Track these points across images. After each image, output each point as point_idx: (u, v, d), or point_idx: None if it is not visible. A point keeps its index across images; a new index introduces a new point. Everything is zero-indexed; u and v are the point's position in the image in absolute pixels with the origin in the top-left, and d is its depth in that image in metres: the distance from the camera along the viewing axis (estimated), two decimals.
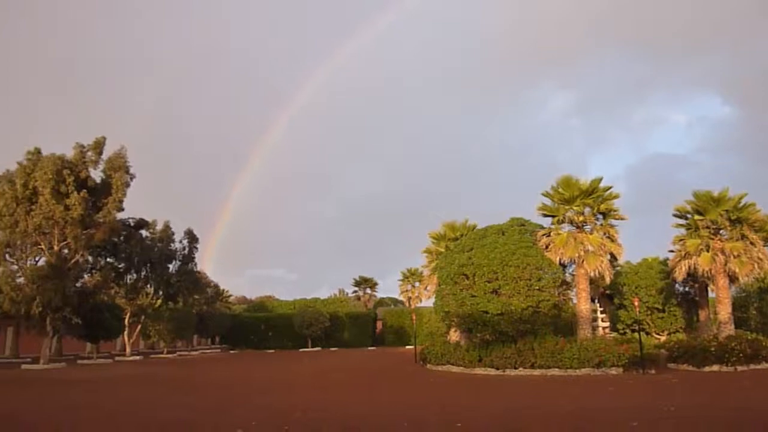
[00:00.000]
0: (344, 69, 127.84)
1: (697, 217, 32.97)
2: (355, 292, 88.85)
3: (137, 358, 52.62)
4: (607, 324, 42.37)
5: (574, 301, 35.01)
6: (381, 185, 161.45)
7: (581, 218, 33.27)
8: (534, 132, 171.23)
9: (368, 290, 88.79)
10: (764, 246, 32.32)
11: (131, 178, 44.61)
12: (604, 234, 33.18)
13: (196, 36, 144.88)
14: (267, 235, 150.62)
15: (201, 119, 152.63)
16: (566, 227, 33.68)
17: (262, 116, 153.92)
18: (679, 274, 33.38)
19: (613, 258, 33.92)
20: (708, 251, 31.89)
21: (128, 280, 54.40)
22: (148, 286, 56.00)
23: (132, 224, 53.93)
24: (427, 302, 54.24)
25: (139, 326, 57.40)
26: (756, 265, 31.24)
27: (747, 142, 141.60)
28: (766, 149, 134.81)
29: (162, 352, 60.22)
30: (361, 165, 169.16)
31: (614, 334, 40.81)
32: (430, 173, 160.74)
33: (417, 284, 65.12)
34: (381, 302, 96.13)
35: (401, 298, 72.88)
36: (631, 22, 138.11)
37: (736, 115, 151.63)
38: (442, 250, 40.80)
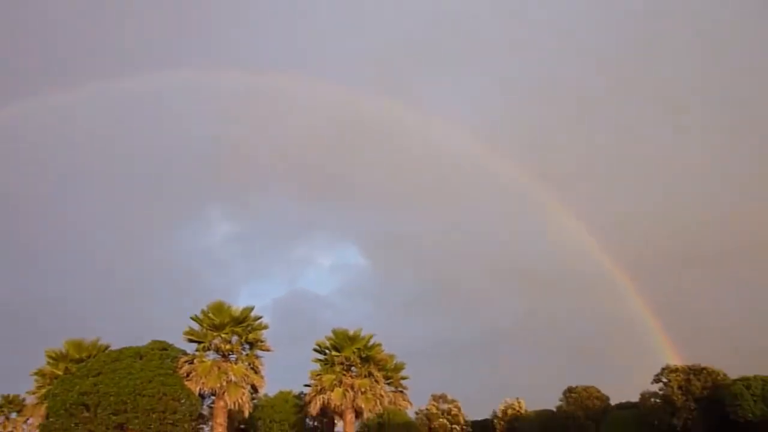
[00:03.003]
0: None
1: (334, 353, 35.06)
2: None
3: None
4: None
5: None
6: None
7: (228, 346, 31.98)
8: (195, 255, 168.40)
9: None
10: (385, 384, 35.96)
11: None
12: (249, 365, 32.40)
13: None
14: None
15: None
16: (211, 355, 31.86)
17: None
18: (314, 408, 34.34)
19: (254, 390, 33.16)
20: (341, 386, 33.75)
21: None
22: None
23: None
24: None
25: None
26: (378, 402, 34.22)
27: (377, 290, 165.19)
28: (393, 298, 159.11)
29: None
30: None
31: None
32: (67, 282, 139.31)
33: (14, 415, 52.50)
34: None
35: None
36: (297, 169, 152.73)
37: (370, 266, 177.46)
38: (60, 373, 33.99)
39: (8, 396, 53.73)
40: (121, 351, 30.72)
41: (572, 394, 74.20)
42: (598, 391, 74.36)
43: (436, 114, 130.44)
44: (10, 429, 51.89)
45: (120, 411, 26.58)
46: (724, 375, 64.34)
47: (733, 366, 66.44)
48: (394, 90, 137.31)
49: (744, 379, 60.64)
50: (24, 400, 44.24)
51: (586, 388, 74.56)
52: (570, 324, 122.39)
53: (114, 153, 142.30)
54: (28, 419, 39.59)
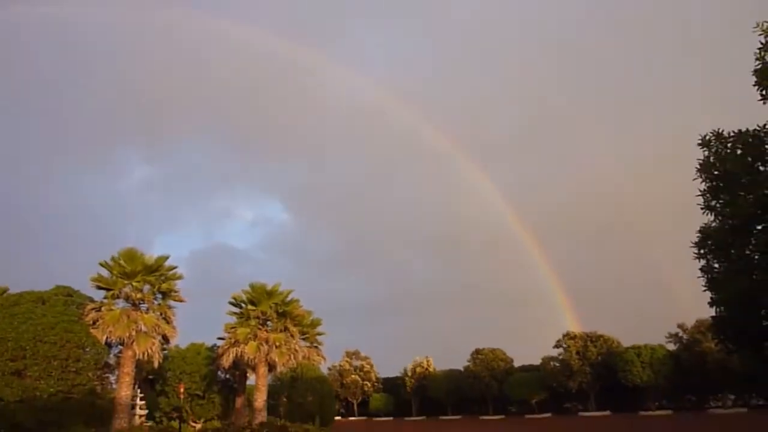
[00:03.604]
0: None
1: (250, 307, 34.67)
2: None
3: None
4: (145, 412, 39.63)
5: (115, 386, 31.60)
6: None
7: (139, 295, 30.89)
8: (109, 201, 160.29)
9: None
10: (301, 339, 36.12)
11: None
12: (161, 314, 31.51)
13: None
14: None
15: None
16: (121, 303, 30.72)
17: None
18: (226, 361, 34.03)
19: (165, 340, 32.36)
20: (255, 340, 33.59)
21: None
22: None
23: None
24: None
25: None
26: (292, 356, 34.38)
27: (299, 247, 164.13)
28: (314, 256, 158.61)
29: None
30: None
31: (151, 423, 38.30)
32: None
33: None
34: None
35: None
36: (223, 120, 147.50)
37: (292, 222, 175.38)
38: None
39: None
40: (21, 295, 29.08)
41: (479, 356, 77.88)
42: (504, 354, 78.42)
43: (359, 67, 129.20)
44: None
45: (18, 357, 25.34)
46: (618, 342, 69.49)
47: (628, 333, 71.94)
48: (315, 40, 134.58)
49: (635, 348, 65.73)
50: None
51: (492, 350, 78.40)
52: (481, 289, 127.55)
53: (14, 88, 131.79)
54: None
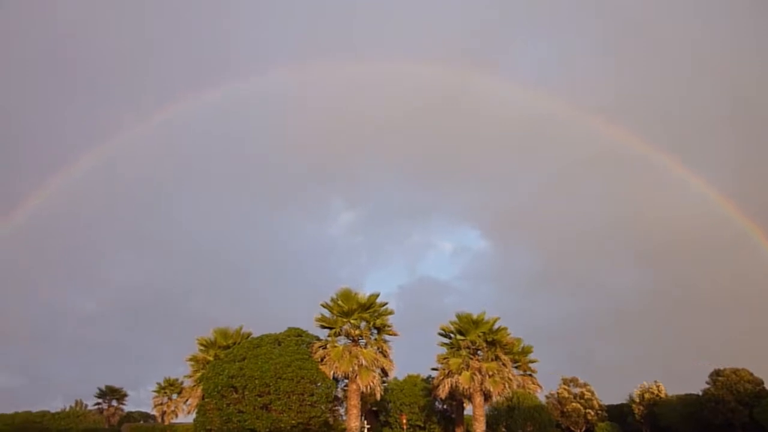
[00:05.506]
0: (115, 151, 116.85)
1: (459, 337, 35.36)
2: (98, 404, 76.47)
3: None
4: None
5: (344, 417, 34.24)
6: (147, 281, 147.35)
7: (357, 332, 33.46)
8: (321, 245, 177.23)
9: (115, 402, 77.27)
10: (513, 367, 35.71)
11: None
12: (378, 349, 33.65)
13: None
14: None
15: None
16: (342, 340, 33.52)
17: None
18: (443, 391, 34.89)
19: (384, 373, 34.34)
20: (468, 370, 34.05)
21: None
22: None
23: None
24: (186, 418, 48.45)
25: None
26: (506, 385, 34.08)
27: (499, 272, 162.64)
28: (514, 280, 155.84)
29: None
30: (128, 255, 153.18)
31: None
32: (208, 272, 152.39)
33: (175, 396, 58.48)
34: (129, 417, 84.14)
35: (154, 412, 64.52)
36: (409, 154, 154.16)
37: (490, 248, 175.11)
38: (211, 358, 37.42)
39: (169, 379, 60.09)
40: (261, 338, 33.22)
41: (720, 378, 68.85)
42: (751, 374, 68.26)
43: (542, 84, 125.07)
44: (172, 408, 58.05)
45: (264, 393, 28.84)
46: None
47: None
48: (480, 61, 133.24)
49: None
50: (182, 383, 49.05)
51: (735, 371, 68.73)
52: (708, 302, 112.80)
53: (244, 153, 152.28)
54: (187, 400, 43.86)
